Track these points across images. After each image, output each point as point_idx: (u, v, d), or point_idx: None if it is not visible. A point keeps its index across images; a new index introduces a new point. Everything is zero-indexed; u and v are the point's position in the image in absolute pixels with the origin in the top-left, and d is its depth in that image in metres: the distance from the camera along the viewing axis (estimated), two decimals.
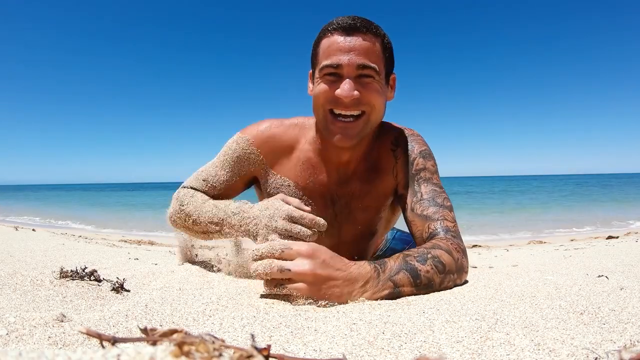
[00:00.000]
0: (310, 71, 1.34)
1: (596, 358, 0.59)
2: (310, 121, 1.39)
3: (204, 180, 1.39)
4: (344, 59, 1.18)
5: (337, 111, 1.22)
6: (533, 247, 3.88)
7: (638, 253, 2.01)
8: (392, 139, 1.38)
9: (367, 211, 1.40)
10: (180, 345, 0.33)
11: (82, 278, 1.03)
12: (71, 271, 1.03)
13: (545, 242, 4.66)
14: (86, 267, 1.07)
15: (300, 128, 1.39)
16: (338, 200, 1.39)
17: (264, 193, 1.42)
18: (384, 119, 1.35)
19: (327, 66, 1.19)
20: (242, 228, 1.19)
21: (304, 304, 0.95)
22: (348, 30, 1.19)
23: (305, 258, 0.97)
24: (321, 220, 1.13)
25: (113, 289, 0.97)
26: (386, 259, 1.05)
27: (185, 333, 0.36)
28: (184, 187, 1.40)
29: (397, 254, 1.08)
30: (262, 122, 1.41)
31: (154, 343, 0.36)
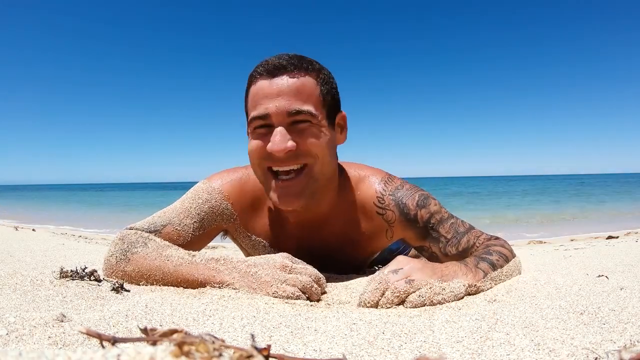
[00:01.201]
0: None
1: (596, 358, 0.59)
2: None
3: (164, 225, 1.16)
4: (270, 106, 1.04)
5: (275, 168, 1.08)
6: (533, 247, 3.88)
7: (638, 253, 2.01)
8: (375, 200, 1.23)
9: (350, 260, 1.33)
10: (180, 345, 0.33)
11: (82, 278, 1.03)
12: (71, 271, 1.03)
13: (545, 242, 4.65)
14: (86, 267, 1.07)
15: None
16: (316, 253, 1.28)
17: (241, 247, 1.35)
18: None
19: (255, 118, 1.06)
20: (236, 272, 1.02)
21: (305, 305, 0.95)
22: (273, 72, 1.05)
23: (404, 262, 1.00)
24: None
25: (113, 289, 0.96)
26: (464, 259, 1.12)
27: (185, 333, 0.36)
28: (132, 229, 1.15)
29: (465, 259, 1.15)
30: (231, 172, 1.28)
31: (154, 343, 0.36)
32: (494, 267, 1.10)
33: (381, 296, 0.94)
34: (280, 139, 1.03)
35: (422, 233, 1.22)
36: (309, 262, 1.20)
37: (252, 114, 1.07)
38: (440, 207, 1.25)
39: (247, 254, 1.38)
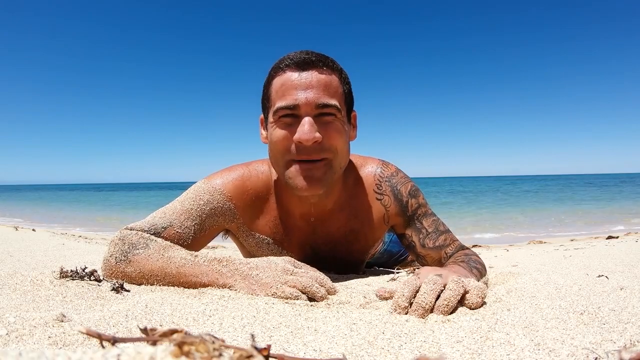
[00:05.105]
0: (262, 116, 1.20)
1: (596, 358, 0.59)
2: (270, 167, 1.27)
3: (165, 228, 1.14)
4: (300, 97, 1.05)
5: (297, 159, 1.09)
6: (533, 247, 3.88)
7: (638, 253, 2.01)
8: (374, 187, 1.29)
9: (353, 254, 1.34)
10: (180, 345, 0.33)
11: (82, 278, 1.03)
12: (71, 271, 1.03)
13: (545, 242, 4.66)
14: (86, 267, 1.07)
15: (267, 176, 1.26)
16: (320, 249, 1.30)
17: (243, 247, 1.33)
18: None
19: (282, 108, 1.07)
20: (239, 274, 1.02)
21: (305, 305, 0.95)
22: (302, 65, 1.08)
23: (435, 268, 1.00)
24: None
25: (113, 289, 0.96)
26: (458, 264, 1.14)
27: (185, 333, 0.36)
28: (132, 230, 1.12)
29: (449, 263, 1.19)
30: (232, 170, 1.27)
31: (154, 343, 0.36)
32: (481, 275, 1.16)
33: (437, 299, 0.84)
34: (308, 129, 1.05)
35: (408, 221, 1.31)
36: (312, 259, 1.26)
37: (279, 104, 1.08)
38: (426, 203, 1.34)
39: (248, 254, 1.37)
